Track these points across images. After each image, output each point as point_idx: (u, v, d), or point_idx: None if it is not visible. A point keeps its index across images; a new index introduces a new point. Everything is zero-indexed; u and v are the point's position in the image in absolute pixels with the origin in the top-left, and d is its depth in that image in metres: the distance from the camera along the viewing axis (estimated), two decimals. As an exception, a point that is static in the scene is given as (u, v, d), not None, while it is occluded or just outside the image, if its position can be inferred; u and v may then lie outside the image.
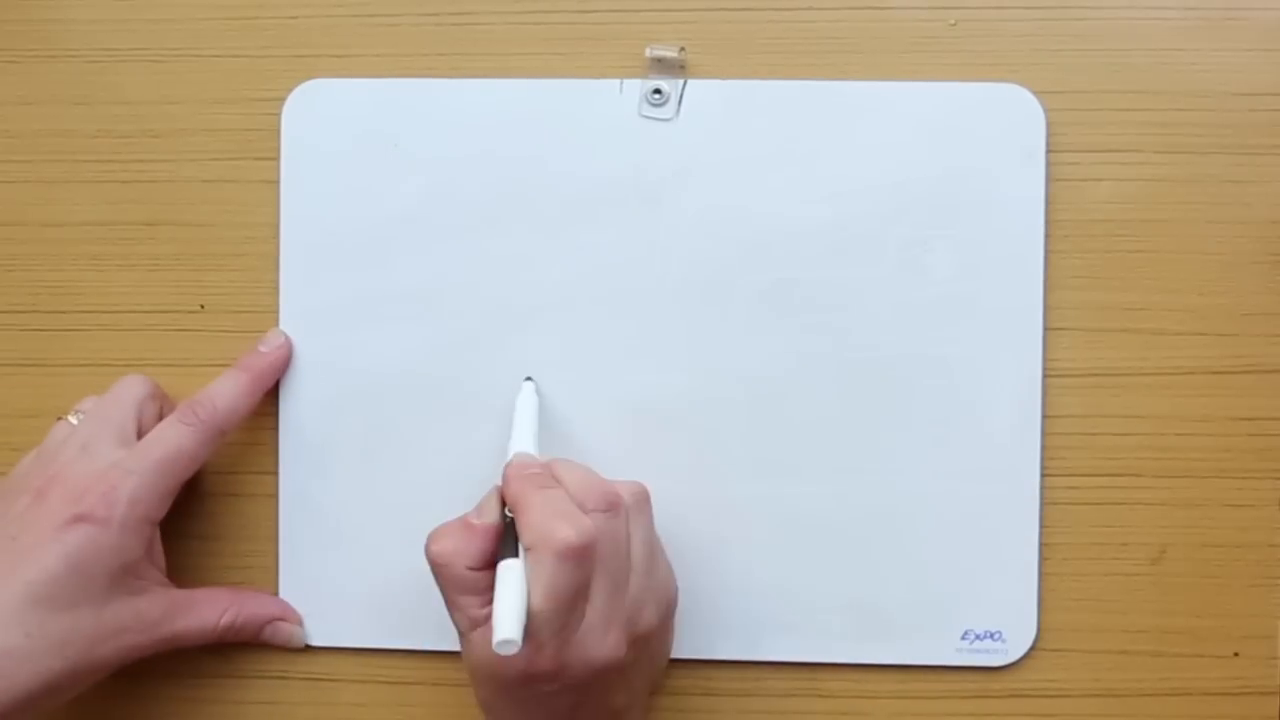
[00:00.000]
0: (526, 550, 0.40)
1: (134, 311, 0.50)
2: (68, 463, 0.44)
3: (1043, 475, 0.47)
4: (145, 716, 0.50)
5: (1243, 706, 0.47)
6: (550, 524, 0.39)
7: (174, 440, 0.45)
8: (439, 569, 0.42)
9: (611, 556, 0.41)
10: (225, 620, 0.47)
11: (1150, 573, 0.47)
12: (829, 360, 0.47)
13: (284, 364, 0.48)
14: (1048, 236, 0.47)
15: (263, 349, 0.48)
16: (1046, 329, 0.47)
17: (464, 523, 0.42)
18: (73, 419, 0.46)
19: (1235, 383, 0.47)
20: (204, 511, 0.49)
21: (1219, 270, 0.47)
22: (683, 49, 0.48)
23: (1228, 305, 0.47)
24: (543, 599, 0.39)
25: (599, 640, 0.40)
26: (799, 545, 0.47)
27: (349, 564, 0.49)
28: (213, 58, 0.49)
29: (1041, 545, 0.47)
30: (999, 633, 0.47)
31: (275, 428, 0.49)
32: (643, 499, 0.43)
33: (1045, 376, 0.47)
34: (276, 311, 0.49)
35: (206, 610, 0.46)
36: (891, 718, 0.48)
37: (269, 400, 0.48)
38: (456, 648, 0.48)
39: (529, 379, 0.47)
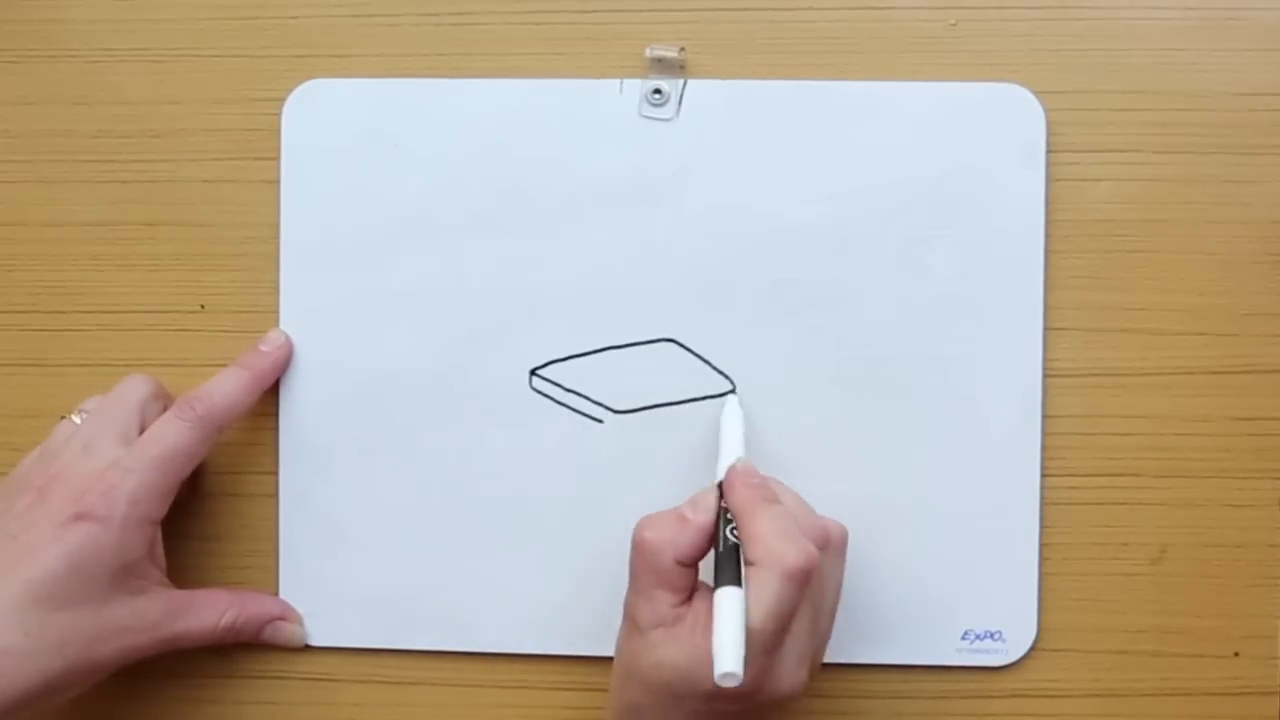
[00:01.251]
0: (750, 565, 0.40)
1: (134, 311, 0.50)
2: (70, 462, 0.44)
3: (1043, 475, 0.47)
4: (145, 716, 0.50)
5: (1243, 706, 0.47)
6: (779, 544, 0.40)
7: (171, 437, 0.45)
8: (647, 556, 0.41)
9: (820, 590, 0.41)
10: (226, 621, 0.47)
11: (1150, 573, 0.47)
12: (829, 360, 0.48)
13: (284, 363, 0.48)
14: (1048, 236, 0.47)
15: (263, 348, 0.48)
16: (1047, 329, 0.47)
17: (678, 515, 0.42)
18: (76, 418, 0.47)
19: (1235, 383, 0.47)
20: (204, 511, 0.50)
21: (1219, 270, 0.47)
22: (683, 49, 0.48)
23: (1228, 305, 0.47)
24: (763, 619, 0.39)
25: (792, 671, 0.40)
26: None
27: (349, 564, 0.49)
28: (213, 58, 0.50)
29: (1041, 545, 0.47)
30: (999, 633, 0.47)
31: (275, 428, 0.49)
32: (844, 540, 0.43)
33: (1045, 376, 0.47)
34: (276, 311, 0.49)
35: (207, 611, 0.47)
36: (891, 718, 0.48)
37: (269, 400, 0.49)
38: (456, 647, 0.48)
39: (732, 392, 0.47)
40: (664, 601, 0.41)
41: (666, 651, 0.40)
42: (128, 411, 0.46)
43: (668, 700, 0.40)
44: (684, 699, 0.40)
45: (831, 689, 0.48)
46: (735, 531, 0.41)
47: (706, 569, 0.42)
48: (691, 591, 0.42)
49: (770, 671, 0.40)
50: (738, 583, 0.39)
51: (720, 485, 0.43)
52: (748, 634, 0.38)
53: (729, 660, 0.37)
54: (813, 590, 0.40)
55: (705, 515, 0.42)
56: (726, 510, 0.42)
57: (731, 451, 0.45)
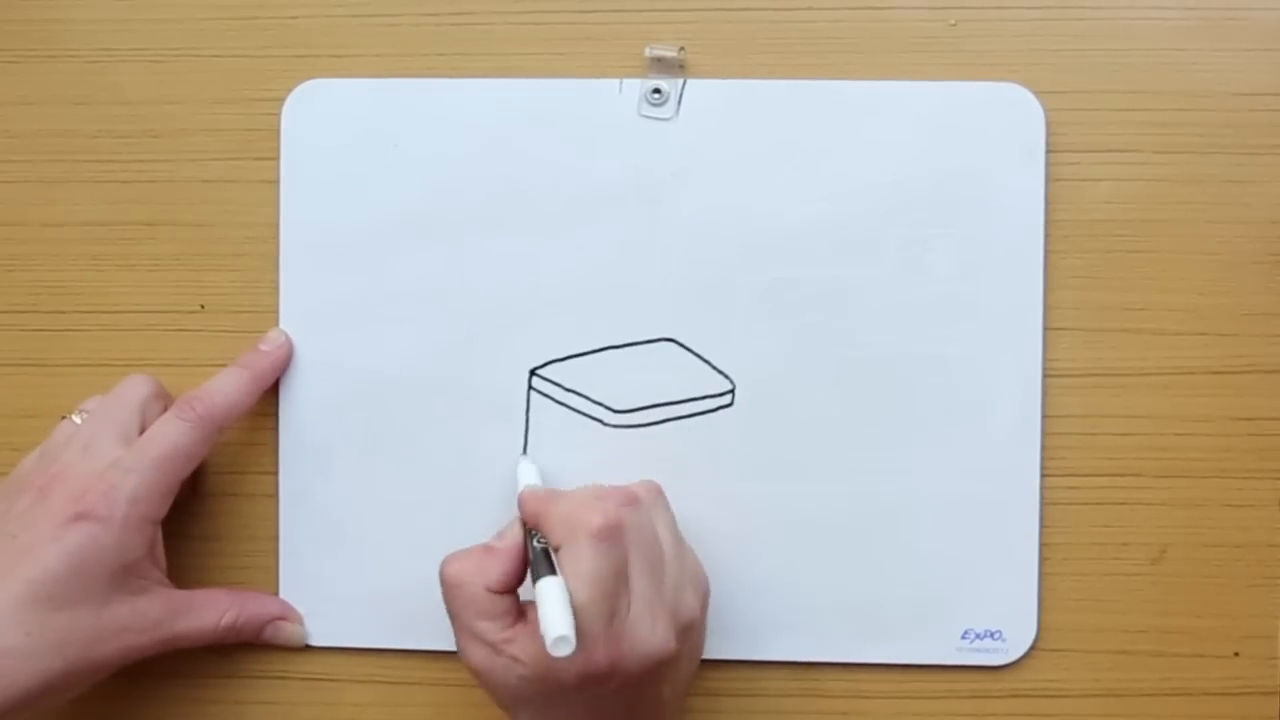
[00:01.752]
0: (557, 549, 0.40)
1: (134, 311, 0.50)
2: (70, 462, 0.44)
3: (1043, 475, 0.48)
4: (145, 716, 0.50)
5: (1243, 706, 0.48)
6: (577, 514, 0.40)
7: (171, 436, 0.45)
8: (455, 590, 0.42)
9: (642, 543, 0.41)
10: (226, 621, 0.47)
11: (1150, 573, 0.48)
12: (829, 359, 0.48)
13: (284, 363, 0.49)
14: (1048, 236, 0.47)
15: (263, 348, 0.48)
16: (1046, 329, 0.47)
17: (484, 547, 0.43)
18: (76, 418, 0.47)
19: (1235, 383, 0.48)
20: (204, 511, 0.50)
21: (1219, 270, 0.48)
22: (682, 49, 0.48)
23: (1228, 305, 0.48)
24: (586, 587, 0.39)
25: (649, 631, 0.40)
26: (799, 545, 0.48)
27: (349, 564, 0.49)
28: (213, 58, 0.50)
29: (1041, 545, 0.48)
30: (999, 632, 0.47)
31: (275, 428, 0.49)
32: (657, 492, 0.44)
33: (1045, 376, 0.48)
34: (276, 311, 0.49)
35: (207, 611, 0.47)
36: (891, 718, 0.48)
37: (269, 400, 0.49)
38: (455, 648, 0.48)
39: (524, 455, 0.48)
40: (490, 630, 0.41)
41: (516, 667, 0.40)
42: (128, 411, 0.46)
43: (555, 703, 0.41)
44: (566, 695, 0.40)
45: (831, 689, 0.48)
46: (540, 539, 0.42)
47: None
48: (518, 613, 0.42)
49: (622, 637, 0.40)
50: (554, 573, 0.40)
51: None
52: (576, 608, 0.39)
53: (557, 625, 0.37)
54: (633, 545, 0.40)
55: (511, 539, 0.42)
56: (532, 531, 0.42)
57: (524, 482, 0.45)
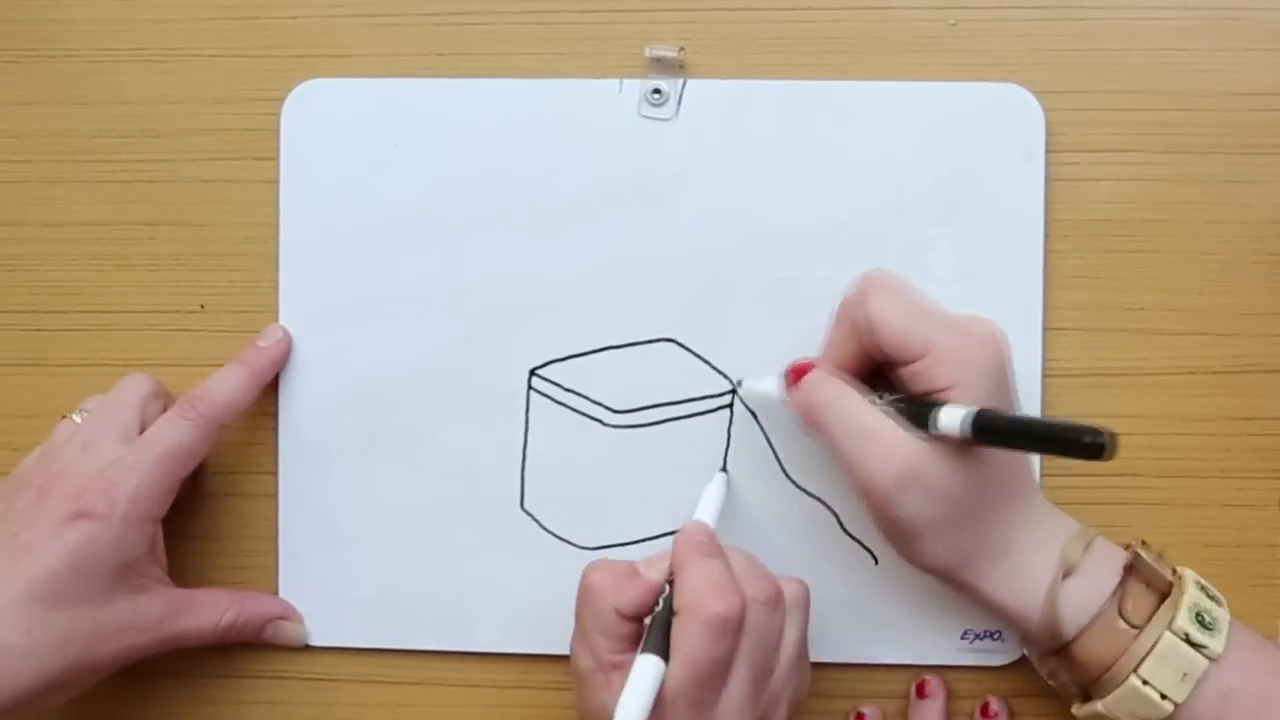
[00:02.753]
0: (675, 614, 0.40)
1: (134, 311, 0.51)
2: (70, 460, 0.45)
3: (1043, 474, 0.48)
4: (146, 716, 0.51)
5: (1243, 706, 0.48)
6: (703, 592, 0.40)
7: (172, 435, 0.46)
8: (588, 597, 0.42)
9: (758, 648, 0.41)
10: (227, 620, 0.48)
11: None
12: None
13: (283, 358, 0.49)
14: (1047, 236, 0.48)
15: (261, 344, 0.49)
16: (1046, 329, 0.48)
17: (631, 567, 0.42)
18: (76, 417, 0.47)
19: (1235, 383, 0.48)
20: (204, 511, 0.51)
21: (1219, 270, 0.48)
22: (682, 49, 0.49)
23: (1228, 305, 0.48)
24: (680, 664, 0.39)
25: None
26: (799, 545, 0.48)
27: (349, 564, 0.50)
28: (212, 58, 0.51)
29: (1041, 545, 0.48)
30: (999, 632, 0.48)
31: (275, 427, 0.50)
32: (803, 598, 0.43)
33: (1045, 376, 0.48)
34: (276, 311, 0.50)
35: (208, 610, 0.47)
36: (892, 718, 0.49)
37: (269, 400, 0.49)
38: (456, 647, 0.49)
39: (724, 470, 0.48)
40: (602, 648, 0.41)
41: (600, 699, 0.40)
42: (128, 410, 0.47)
43: None
44: None
45: (832, 689, 0.49)
46: (668, 599, 0.41)
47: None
48: (636, 640, 0.41)
49: None
50: (661, 652, 0.39)
51: None
52: (666, 691, 0.38)
53: (628, 712, 0.37)
54: (747, 644, 0.40)
55: (656, 575, 0.42)
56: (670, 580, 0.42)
57: (701, 513, 0.45)
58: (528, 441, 0.49)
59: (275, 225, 0.50)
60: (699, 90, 0.48)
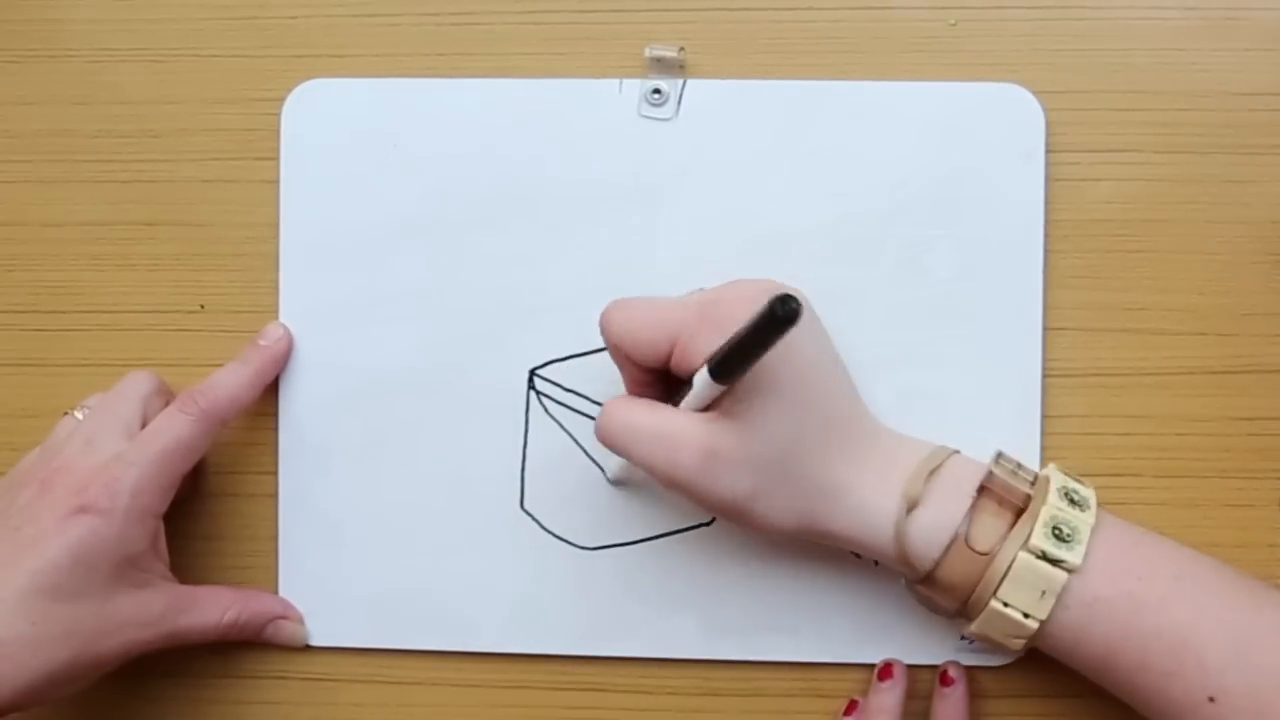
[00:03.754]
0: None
1: (134, 311, 0.51)
2: (72, 456, 0.46)
3: (1043, 475, 0.48)
4: (145, 716, 0.51)
5: (1243, 706, 0.48)
6: None
7: (173, 431, 0.46)
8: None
9: None
10: (228, 618, 0.48)
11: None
12: (828, 360, 0.48)
13: (284, 356, 0.50)
14: (1047, 236, 0.48)
15: (263, 342, 0.49)
16: (1046, 329, 0.48)
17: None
18: (78, 414, 0.48)
19: (1235, 383, 0.49)
20: (204, 511, 0.51)
21: (1219, 270, 0.49)
22: (682, 49, 0.49)
23: (1228, 305, 0.49)
24: None
25: None
26: (800, 545, 0.48)
27: (349, 564, 0.50)
28: (212, 58, 0.51)
29: (1041, 545, 0.48)
30: (999, 633, 0.48)
31: (275, 427, 0.50)
32: None
33: (1045, 376, 0.49)
34: (276, 311, 0.50)
35: (210, 607, 0.48)
36: (893, 717, 0.49)
37: (269, 400, 0.50)
38: (456, 647, 0.50)
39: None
40: None
41: None
42: (130, 406, 0.47)
43: None
44: None
45: (832, 689, 0.49)
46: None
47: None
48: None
49: None
50: None
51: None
52: None
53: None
54: None
55: None
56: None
57: None
58: (528, 441, 0.50)
59: (275, 225, 0.50)
60: (699, 90, 0.49)
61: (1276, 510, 0.48)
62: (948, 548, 0.42)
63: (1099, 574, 0.41)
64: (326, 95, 0.50)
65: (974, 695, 0.48)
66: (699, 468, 0.41)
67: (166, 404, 0.48)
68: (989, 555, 0.42)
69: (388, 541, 0.50)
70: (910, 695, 0.48)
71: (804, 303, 0.37)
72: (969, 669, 0.48)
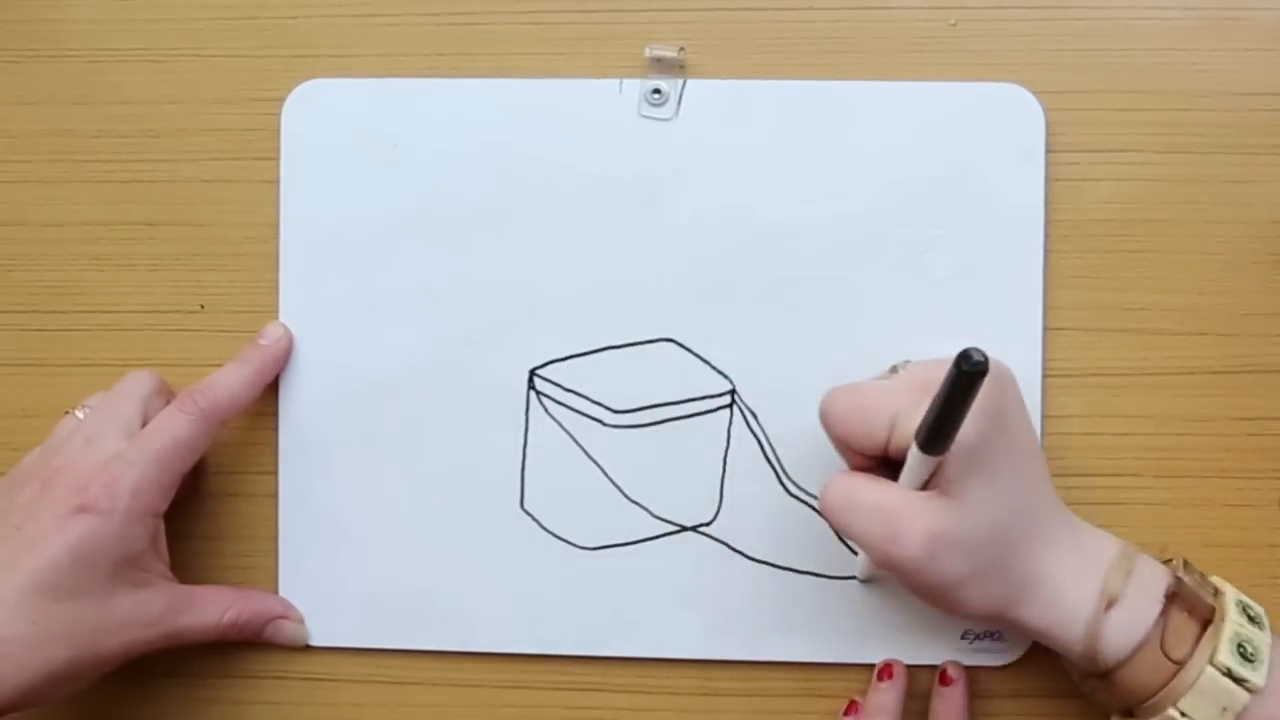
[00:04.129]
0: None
1: (134, 311, 0.52)
2: (73, 455, 0.46)
3: (1043, 475, 0.48)
4: (145, 716, 0.51)
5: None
6: None
7: (172, 430, 0.46)
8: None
9: None
10: (229, 617, 0.48)
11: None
12: (828, 359, 0.49)
13: (285, 356, 0.50)
14: (1047, 236, 0.49)
15: (263, 341, 0.50)
16: (1046, 329, 0.49)
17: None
18: (79, 413, 0.48)
19: (1235, 383, 0.49)
20: (204, 511, 0.51)
21: (1219, 270, 0.49)
22: (682, 49, 0.49)
23: (1228, 305, 0.49)
24: None
25: None
26: (799, 545, 0.49)
27: (349, 564, 0.50)
28: (212, 58, 0.51)
29: (1041, 545, 0.48)
30: (999, 633, 0.49)
31: (275, 427, 0.51)
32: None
33: (1045, 376, 0.49)
34: (276, 311, 0.51)
35: (210, 607, 0.48)
36: (895, 717, 0.49)
37: (269, 400, 0.50)
38: (455, 647, 0.50)
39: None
40: None
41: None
42: (131, 406, 0.47)
43: None
44: None
45: (832, 689, 0.50)
46: None
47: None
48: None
49: None
50: None
51: None
52: None
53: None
54: None
55: None
56: None
57: None
58: (528, 441, 0.50)
59: (275, 225, 0.50)
60: (699, 90, 0.49)
61: (1277, 510, 0.49)
62: (1137, 650, 0.42)
63: (1277, 696, 0.41)
64: (326, 95, 0.50)
65: (973, 694, 0.49)
66: (923, 547, 0.41)
67: (167, 404, 0.48)
68: (1177, 665, 0.42)
69: (388, 541, 0.50)
70: (910, 695, 0.48)
71: (998, 364, 0.37)
72: (968, 668, 0.48)
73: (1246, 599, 0.43)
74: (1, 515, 0.45)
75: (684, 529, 0.49)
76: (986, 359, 0.35)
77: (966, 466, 0.41)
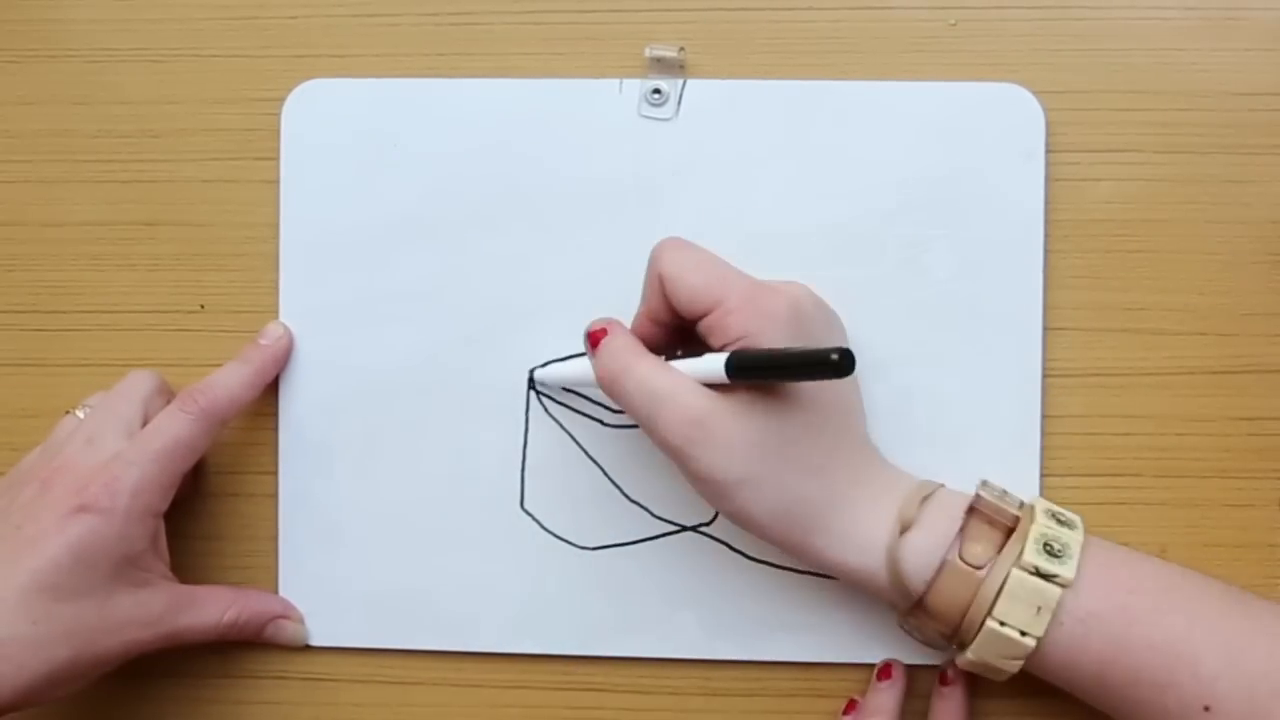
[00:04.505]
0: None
1: (134, 311, 0.52)
2: (73, 455, 0.46)
3: (1043, 475, 0.49)
4: (145, 716, 0.52)
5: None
6: None
7: (173, 430, 0.47)
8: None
9: None
10: (229, 617, 0.48)
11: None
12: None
13: (285, 355, 0.50)
14: (1047, 236, 0.49)
15: (263, 341, 0.50)
16: (1046, 329, 0.49)
17: None
18: (79, 413, 0.48)
19: (1235, 382, 0.49)
20: (204, 511, 0.52)
21: (1218, 270, 0.49)
22: (682, 49, 0.50)
23: (1227, 305, 0.49)
24: None
25: None
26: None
27: (349, 563, 0.51)
28: (212, 58, 0.52)
29: (1041, 545, 0.48)
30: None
31: (275, 427, 0.51)
32: None
33: (1045, 376, 0.49)
34: (276, 311, 0.51)
35: (210, 607, 0.48)
36: (897, 716, 0.49)
37: (269, 400, 0.51)
38: (456, 647, 0.50)
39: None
40: None
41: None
42: (131, 406, 0.48)
43: None
44: None
45: (832, 689, 0.50)
46: None
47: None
48: None
49: None
50: None
51: None
52: None
53: None
54: None
55: None
56: None
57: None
58: (527, 442, 0.50)
59: (275, 225, 0.51)
60: (699, 90, 0.49)
61: (1276, 510, 0.49)
62: (941, 567, 0.42)
63: (1091, 589, 0.42)
64: (326, 95, 0.50)
65: (973, 695, 0.49)
66: (687, 438, 0.41)
67: (167, 403, 0.48)
68: (982, 572, 0.42)
69: (388, 541, 0.50)
70: (909, 695, 0.48)
71: (850, 356, 0.37)
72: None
73: (1060, 509, 0.44)
74: (2, 515, 0.45)
75: (684, 529, 0.49)
76: (852, 366, 0.37)
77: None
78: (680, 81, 0.49)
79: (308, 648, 0.51)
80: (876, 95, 0.49)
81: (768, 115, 0.49)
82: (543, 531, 0.50)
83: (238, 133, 0.51)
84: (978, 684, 0.49)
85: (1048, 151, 0.49)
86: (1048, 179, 0.49)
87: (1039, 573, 0.41)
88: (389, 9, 0.51)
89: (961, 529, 0.43)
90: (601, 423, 0.50)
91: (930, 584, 0.42)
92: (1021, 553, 0.42)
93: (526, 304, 0.50)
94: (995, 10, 0.49)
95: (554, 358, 0.50)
